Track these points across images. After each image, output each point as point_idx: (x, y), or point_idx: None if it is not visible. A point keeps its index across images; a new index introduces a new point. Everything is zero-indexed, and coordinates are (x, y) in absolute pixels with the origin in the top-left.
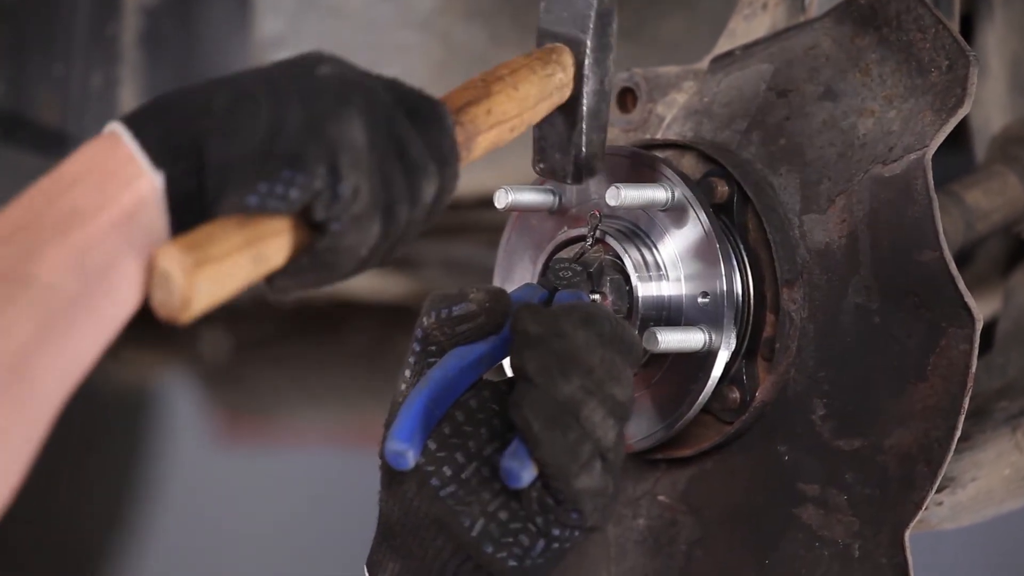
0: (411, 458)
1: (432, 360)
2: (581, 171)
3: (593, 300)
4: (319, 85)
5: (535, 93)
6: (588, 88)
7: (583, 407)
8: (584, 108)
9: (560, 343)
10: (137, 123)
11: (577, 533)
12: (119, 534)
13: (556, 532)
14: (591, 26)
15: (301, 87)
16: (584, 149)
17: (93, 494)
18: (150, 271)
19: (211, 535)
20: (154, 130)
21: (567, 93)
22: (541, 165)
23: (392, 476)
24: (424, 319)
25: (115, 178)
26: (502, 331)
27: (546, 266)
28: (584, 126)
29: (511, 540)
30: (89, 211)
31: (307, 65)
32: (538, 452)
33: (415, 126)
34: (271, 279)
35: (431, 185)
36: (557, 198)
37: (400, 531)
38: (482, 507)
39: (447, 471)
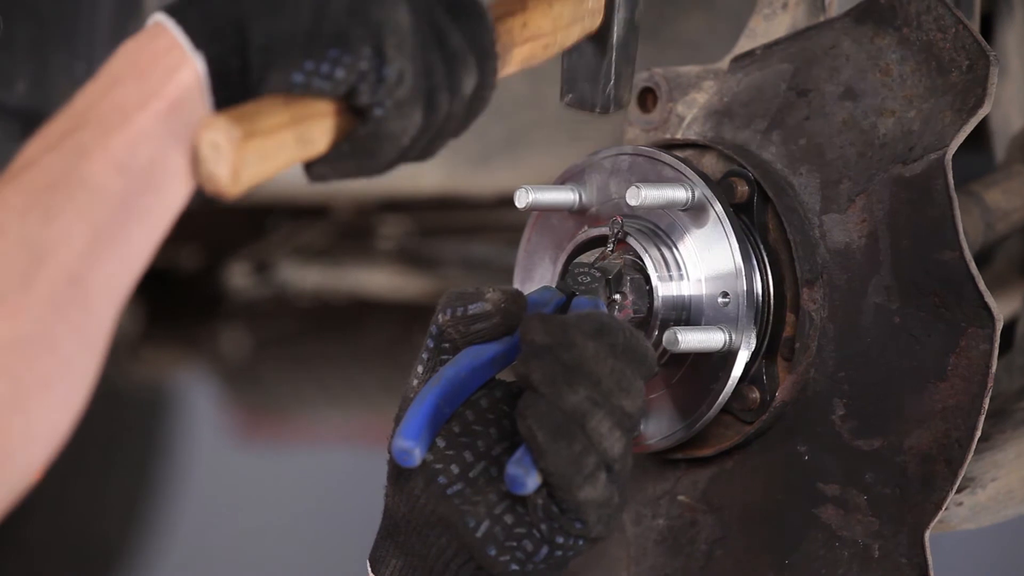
0: (417, 456)
1: (445, 357)
2: (610, 101)
3: (613, 302)
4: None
5: (568, 12)
6: (619, 17)
7: (589, 418)
8: (614, 37)
9: (568, 353)
10: (179, 11)
11: (581, 542)
12: (138, 531)
13: (559, 540)
14: None
15: None
16: (613, 79)
17: (112, 491)
18: (196, 144)
19: (229, 532)
20: (195, 14)
21: (598, 20)
22: (570, 95)
23: (399, 472)
24: (439, 316)
25: (157, 69)
26: (517, 332)
27: (566, 267)
28: (614, 56)
29: (515, 544)
30: (131, 108)
31: None
32: (542, 462)
33: (455, 19)
34: (310, 165)
35: (471, 76)
36: (578, 197)
37: (404, 528)
38: (488, 509)
39: (455, 469)
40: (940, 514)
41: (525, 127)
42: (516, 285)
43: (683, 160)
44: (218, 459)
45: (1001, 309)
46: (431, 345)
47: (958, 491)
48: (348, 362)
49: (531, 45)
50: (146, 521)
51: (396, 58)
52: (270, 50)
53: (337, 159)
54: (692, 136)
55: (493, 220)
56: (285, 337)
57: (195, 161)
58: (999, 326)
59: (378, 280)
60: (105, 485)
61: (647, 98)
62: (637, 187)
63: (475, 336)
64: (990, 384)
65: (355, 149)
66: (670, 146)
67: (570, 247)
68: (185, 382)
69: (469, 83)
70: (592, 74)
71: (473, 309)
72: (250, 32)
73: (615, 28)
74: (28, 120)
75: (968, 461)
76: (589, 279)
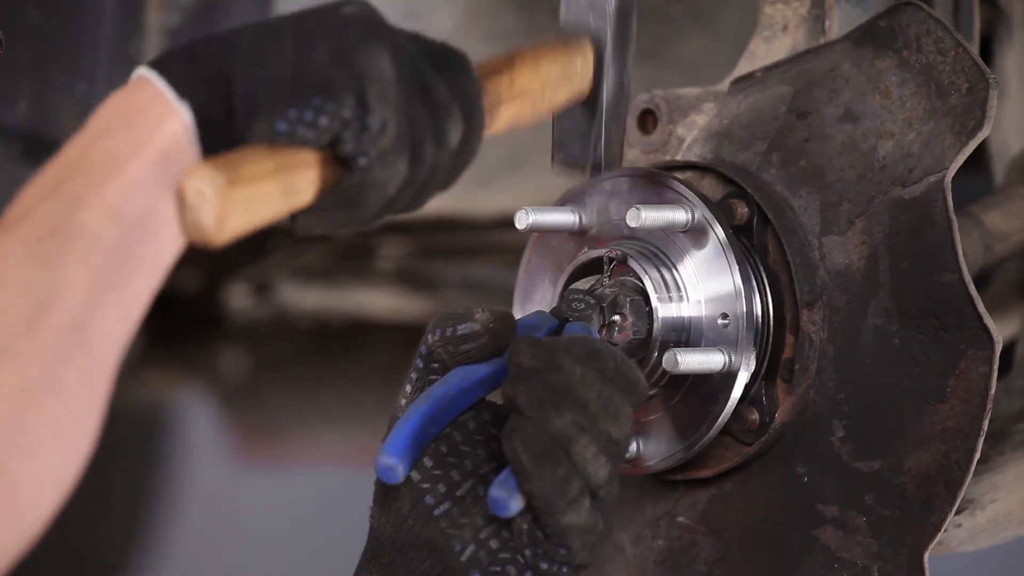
0: (401, 472)
1: (434, 377)
2: (600, 163)
3: (612, 324)
4: (345, 21)
5: (557, 72)
6: (608, 81)
7: (575, 443)
8: (604, 100)
9: (556, 377)
10: (162, 63)
11: (565, 569)
12: (136, 551)
13: (543, 566)
14: (611, 18)
15: (327, 23)
16: (603, 141)
17: (111, 511)
18: (181, 192)
19: (228, 552)
20: (179, 65)
21: (587, 83)
22: (560, 155)
23: (387, 492)
24: (429, 335)
25: (144, 119)
26: (506, 353)
27: (565, 288)
28: (604, 118)
29: (498, 570)
30: (122, 157)
31: (332, 6)
32: (526, 485)
33: (440, 72)
34: (296, 217)
35: (456, 127)
36: (578, 218)
37: (390, 549)
38: (474, 533)
39: (442, 488)
40: (939, 536)
41: (525, 148)
42: (516, 306)
43: (683, 182)
44: (217, 479)
45: (1000, 331)
46: (420, 365)
47: (957, 513)
48: (347, 383)
49: (519, 103)
50: (145, 541)
51: (379, 107)
52: (254, 98)
53: (323, 210)
54: (692, 158)
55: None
56: (285, 358)
57: (180, 209)
58: (998, 348)
59: (378, 301)
60: (104, 505)
61: (647, 120)
62: (637, 209)
63: (464, 357)
64: (989, 406)
65: (341, 200)
66: (670, 168)
67: (570, 268)
68: (184, 403)
69: (455, 134)
70: (582, 136)
71: (462, 329)
72: (234, 81)
73: (604, 90)
74: (29, 140)
75: (967, 483)
76: (583, 306)
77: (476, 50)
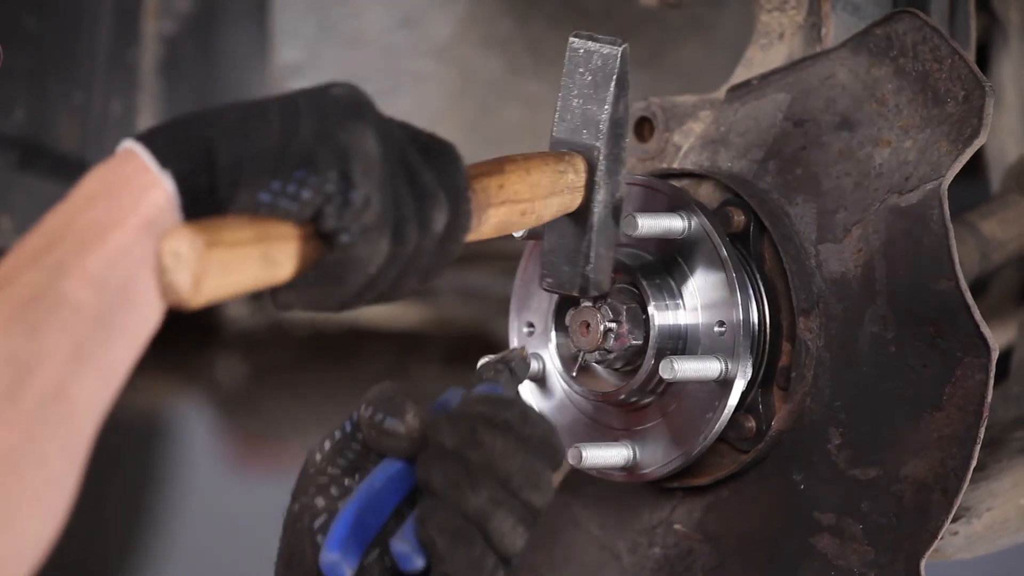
0: (346, 569)
1: (356, 447)
2: (588, 284)
3: (607, 332)
4: (332, 100)
5: (547, 183)
6: (599, 197)
7: (491, 519)
8: (594, 218)
9: (476, 454)
10: (147, 136)
11: None
12: (134, 559)
13: None
14: (603, 134)
15: (314, 101)
16: (592, 262)
17: (108, 519)
18: (159, 253)
19: (225, 560)
20: (163, 137)
21: (578, 199)
22: (548, 280)
23: None
24: (362, 407)
25: (129, 190)
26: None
27: (560, 303)
28: (593, 237)
29: None
30: (106, 226)
31: (321, 87)
32: (442, 567)
33: (427, 159)
34: (276, 293)
35: (441, 213)
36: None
37: None
38: None
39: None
40: (936, 543)
41: None
42: (512, 314)
43: (680, 190)
44: (214, 487)
45: (997, 338)
46: (347, 430)
47: (954, 520)
48: (344, 391)
49: (507, 208)
50: (142, 549)
51: (363, 183)
52: (238, 169)
53: (304, 286)
54: (689, 166)
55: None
56: (281, 366)
57: (158, 270)
58: (995, 355)
59: (374, 309)
60: (101, 513)
61: (644, 127)
62: (634, 216)
63: (385, 448)
64: (986, 413)
65: (322, 276)
66: (667, 175)
67: None
68: (181, 410)
69: (440, 220)
70: (571, 256)
71: (389, 424)
72: (218, 152)
73: (595, 208)
74: (26, 148)
75: (964, 490)
76: (492, 372)
77: (474, 59)
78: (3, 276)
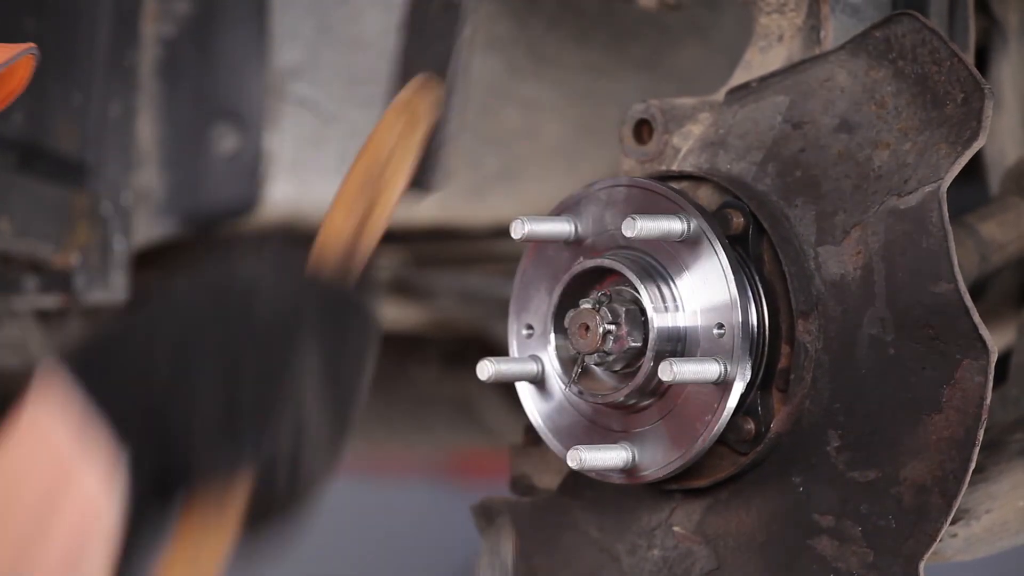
0: None
1: None
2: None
3: (606, 334)
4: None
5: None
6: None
7: None
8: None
9: None
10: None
11: None
12: None
13: None
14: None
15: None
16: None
17: None
18: None
19: None
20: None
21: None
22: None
23: None
24: None
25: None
26: None
27: (561, 299)
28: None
29: None
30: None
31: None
32: None
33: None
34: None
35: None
36: (574, 228)
37: None
38: None
39: None
40: (935, 546)
41: (521, 158)
42: (512, 316)
43: (679, 192)
44: None
45: (996, 341)
46: None
47: (953, 522)
48: None
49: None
50: None
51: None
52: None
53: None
54: (688, 168)
55: (489, 251)
56: None
57: None
58: (994, 358)
59: None
60: None
61: (643, 130)
62: (633, 219)
63: None
64: (985, 416)
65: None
66: (666, 178)
67: (566, 279)
68: None
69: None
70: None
71: None
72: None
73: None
74: (26, 150)
75: (963, 493)
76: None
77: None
78: None
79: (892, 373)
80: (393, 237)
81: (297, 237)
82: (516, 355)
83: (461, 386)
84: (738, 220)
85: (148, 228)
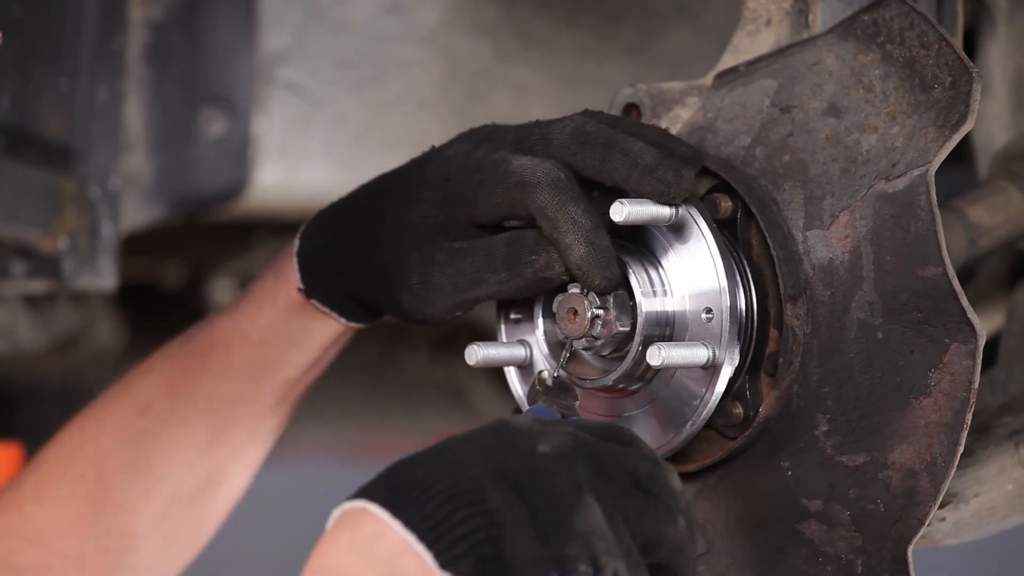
0: None
1: None
2: None
3: (594, 318)
4: (545, 468)
5: None
6: None
7: None
8: None
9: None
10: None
11: None
12: None
13: None
14: None
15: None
16: None
17: None
18: None
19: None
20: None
21: None
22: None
23: None
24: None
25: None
26: None
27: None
28: None
29: None
30: None
31: (526, 443)
32: None
33: (644, 508)
34: None
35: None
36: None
37: None
38: None
39: None
40: (923, 529)
41: None
42: (499, 310)
43: None
44: None
45: (984, 325)
46: None
47: (941, 506)
48: (333, 379)
49: None
50: None
51: (609, 563)
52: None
53: None
54: None
55: None
56: None
57: None
58: (982, 342)
59: None
60: None
61: (631, 113)
62: (621, 203)
63: None
64: (973, 400)
65: None
66: None
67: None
68: None
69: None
70: None
71: None
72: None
73: None
74: (12, 135)
75: (951, 477)
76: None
77: (462, 46)
78: None
79: (880, 357)
80: None
81: None
82: (504, 340)
83: (450, 371)
84: (726, 204)
85: (136, 213)
